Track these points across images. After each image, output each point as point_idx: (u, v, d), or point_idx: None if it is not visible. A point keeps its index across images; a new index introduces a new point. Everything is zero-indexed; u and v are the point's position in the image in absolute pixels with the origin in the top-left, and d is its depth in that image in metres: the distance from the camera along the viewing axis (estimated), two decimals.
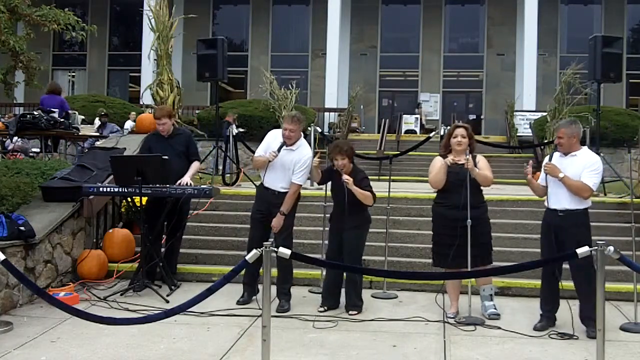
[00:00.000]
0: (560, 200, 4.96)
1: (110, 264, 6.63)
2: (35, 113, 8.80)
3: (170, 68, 11.56)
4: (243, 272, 5.27)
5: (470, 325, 5.08)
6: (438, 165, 5.36)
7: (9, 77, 12.29)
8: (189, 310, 4.26)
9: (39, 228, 5.92)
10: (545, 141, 13.26)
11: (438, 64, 24.05)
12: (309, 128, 10.76)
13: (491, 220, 5.54)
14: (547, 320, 5.04)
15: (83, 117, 11.34)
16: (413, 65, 24.18)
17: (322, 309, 5.47)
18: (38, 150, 10.42)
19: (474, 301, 5.35)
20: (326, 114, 20.56)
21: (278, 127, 5.81)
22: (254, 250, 3.81)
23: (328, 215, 5.75)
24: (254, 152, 6.06)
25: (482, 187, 5.38)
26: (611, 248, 3.70)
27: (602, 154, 9.73)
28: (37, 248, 5.85)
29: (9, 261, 4.46)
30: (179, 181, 6.18)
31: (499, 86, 23.28)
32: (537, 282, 5.27)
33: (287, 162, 5.53)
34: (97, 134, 11.65)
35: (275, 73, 18.65)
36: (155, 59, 11.60)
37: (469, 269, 5.15)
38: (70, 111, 9.86)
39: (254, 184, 7.75)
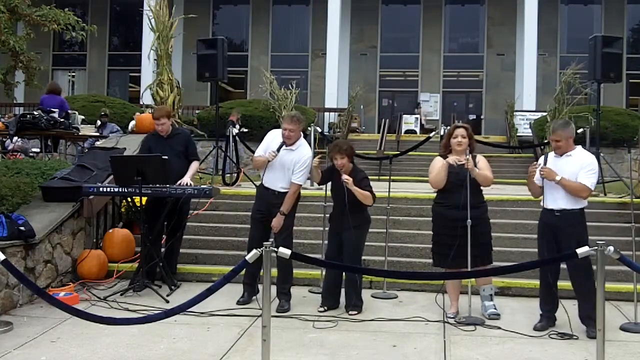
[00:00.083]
0: (556, 200, 4.96)
1: (110, 264, 6.63)
2: (35, 113, 8.80)
3: (170, 68, 11.57)
4: (243, 272, 5.27)
5: (470, 325, 5.08)
6: (438, 165, 5.36)
7: (9, 77, 12.29)
8: (189, 310, 4.26)
9: (39, 228, 5.92)
10: (545, 141, 13.24)
11: (438, 64, 24.04)
12: (309, 128, 10.76)
13: (491, 220, 5.54)
14: (547, 320, 5.04)
15: (83, 117, 11.33)
16: (413, 65, 24.17)
17: (322, 309, 5.47)
18: (38, 150, 10.41)
19: (474, 301, 5.35)
20: (326, 114, 20.55)
21: (278, 127, 5.81)
22: (254, 250, 3.81)
23: (328, 215, 5.75)
24: (253, 152, 6.06)
25: (482, 187, 5.38)
26: (611, 248, 3.70)
27: (602, 154, 9.78)
28: (37, 248, 5.85)
29: (9, 261, 4.46)
30: (179, 181, 6.18)
31: (499, 86, 23.28)
32: (537, 282, 5.26)
33: (286, 162, 5.53)
34: (97, 134, 11.63)
35: (275, 73, 18.64)
36: (155, 59, 11.61)
37: (469, 269, 5.15)
38: (70, 111, 9.86)
39: (254, 184, 7.76)
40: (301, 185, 5.66)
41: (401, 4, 24.44)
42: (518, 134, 18.94)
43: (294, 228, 5.86)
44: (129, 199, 6.35)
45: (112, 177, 6.55)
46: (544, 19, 21.52)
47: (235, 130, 11.01)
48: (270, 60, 24.01)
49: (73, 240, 6.53)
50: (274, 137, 5.67)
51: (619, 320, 5.28)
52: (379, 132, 19.41)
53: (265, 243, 3.75)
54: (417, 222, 7.44)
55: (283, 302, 5.56)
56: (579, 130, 10.63)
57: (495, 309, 5.38)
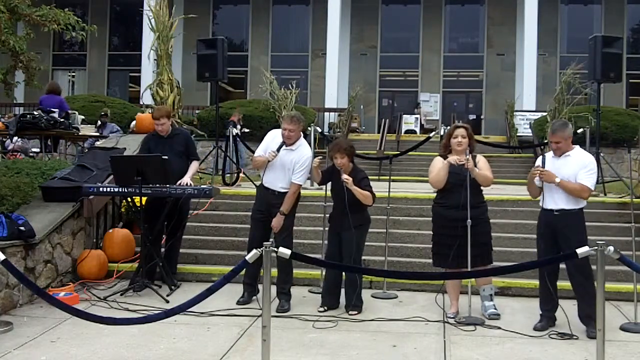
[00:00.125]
0: (555, 200, 4.97)
1: (110, 264, 6.63)
2: (35, 113, 8.79)
3: (170, 68, 11.57)
4: (243, 272, 5.27)
5: (470, 325, 5.08)
6: (439, 165, 5.36)
7: (9, 77, 12.31)
8: (189, 310, 4.26)
9: (39, 228, 5.92)
10: (545, 141, 13.25)
11: (438, 64, 24.04)
12: (309, 128, 10.76)
13: (491, 220, 5.54)
14: (547, 320, 5.04)
15: (83, 117, 11.32)
16: (413, 65, 24.17)
17: (322, 309, 5.47)
18: (38, 150, 10.41)
19: (474, 301, 5.35)
20: (326, 114, 20.55)
21: (278, 127, 5.81)
22: (254, 250, 3.81)
23: (328, 215, 5.75)
24: (253, 152, 6.06)
25: (482, 187, 5.38)
26: (611, 248, 3.70)
27: (602, 154, 9.78)
28: (37, 248, 5.85)
29: (9, 261, 4.46)
30: (179, 181, 6.18)
31: (499, 86, 23.28)
32: (537, 282, 5.26)
33: (286, 162, 5.53)
34: (97, 134, 11.63)
35: (275, 73, 18.66)
36: (155, 59, 11.61)
37: (469, 269, 5.15)
38: (70, 111, 9.86)
39: (254, 184, 7.75)
40: (301, 185, 5.66)
41: (401, 4, 24.44)
42: (518, 134, 18.95)
43: (294, 228, 5.86)
44: (129, 199, 6.35)
45: (112, 177, 6.55)
46: (544, 19, 21.52)
47: (235, 131, 11.01)
48: (270, 60, 24.01)
49: (73, 240, 6.53)
50: (273, 137, 5.67)
51: (619, 320, 5.28)
52: (379, 132, 19.41)
53: (265, 243, 3.75)
54: (417, 222, 7.44)
55: (283, 302, 5.56)
56: (579, 130, 10.68)
57: (495, 309, 5.38)
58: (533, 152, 15.77)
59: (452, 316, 5.31)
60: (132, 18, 23.98)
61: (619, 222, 7.37)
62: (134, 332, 4.72)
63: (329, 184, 5.75)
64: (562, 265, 5.14)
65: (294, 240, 5.86)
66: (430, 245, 5.61)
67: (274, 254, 3.78)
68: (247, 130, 14.25)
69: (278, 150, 5.48)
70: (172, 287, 6.11)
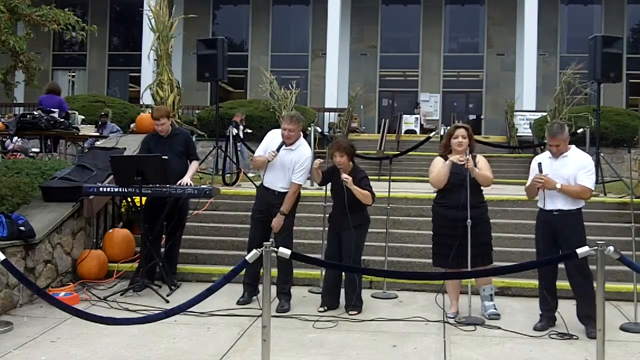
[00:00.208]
0: (555, 201, 4.98)
1: (110, 264, 6.63)
2: (35, 113, 8.79)
3: (170, 68, 11.57)
4: (243, 272, 5.27)
5: (470, 325, 5.08)
6: (439, 165, 5.36)
7: (9, 77, 12.31)
8: (189, 310, 4.26)
9: (39, 228, 5.92)
10: (545, 141, 13.26)
11: (438, 64, 24.04)
12: (309, 128, 10.76)
13: (491, 220, 5.54)
14: (547, 320, 5.04)
15: (83, 117, 11.32)
16: (413, 65, 24.17)
17: (322, 309, 5.47)
18: (38, 150, 10.41)
19: (474, 301, 5.35)
20: (326, 114, 20.56)
21: (278, 127, 5.81)
22: (254, 250, 3.81)
23: (328, 215, 5.75)
24: (253, 152, 6.06)
25: (482, 187, 5.39)
26: (611, 248, 3.70)
27: (602, 154, 9.78)
28: (37, 248, 5.85)
29: (9, 261, 4.46)
30: (179, 181, 6.18)
31: (499, 86, 23.28)
32: (537, 282, 5.26)
33: (286, 161, 5.53)
34: (97, 134, 11.63)
35: (275, 73, 18.67)
36: (155, 59, 11.61)
37: (469, 269, 5.15)
38: (70, 111, 9.86)
39: (254, 184, 7.76)
40: (301, 185, 5.66)
41: (401, 4, 24.44)
42: (518, 134, 18.96)
43: (294, 228, 5.86)
44: (129, 199, 6.35)
45: (112, 177, 6.55)
46: (544, 19, 21.52)
47: (235, 131, 11.01)
48: (270, 60, 24.01)
49: (73, 240, 6.53)
50: (273, 137, 5.67)
51: (619, 320, 5.28)
52: (379, 132, 19.42)
53: (265, 243, 3.75)
54: (417, 222, 7.44)
55: (283, 302, 5.56)
56: (579, 130, 10.68)
57: (495, 309, 5.38)
58: (533, 152, 15.75)
59: (452, 316, 5.31)
60: (132, 18, 23.98)
61: (619, 222, 7.37)
62: (134, 332, 4.72)
63: (330, 184, 5.75)
64: (561, 265, 5.14)
65: (294, 240, 5.86)
66: (430, 245, 5.61)
67: (274, 254, 3.78)
68: (249, 131, 14.25)
69: (278, 150, 5.48)
70: (172, 287, 6.11)
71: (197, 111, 18.52)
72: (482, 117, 23.59)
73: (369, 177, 5.63)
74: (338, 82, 21.31)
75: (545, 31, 21.78)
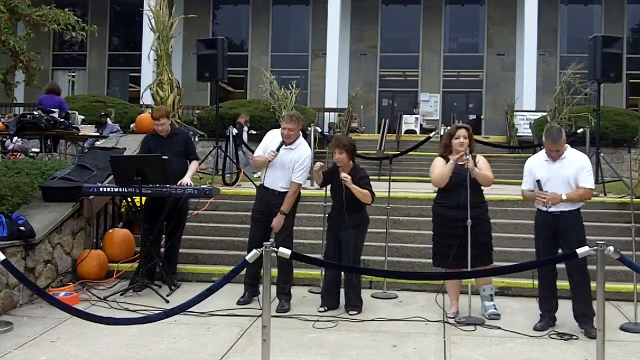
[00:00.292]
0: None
1: (110, 264, 6.63)
2: (35, 113, 8.79)
3: (170, 68, 11.58)
4: (243, 272, 5.27)
5: (470, 325, 5.08)
6: (440, 165, 5.36)
7: (9, 77, 12.30)
8: (189, 310, 4.26)
9: (39, 228, 5.91)
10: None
11: (438, 64, 24.04)
12: (309, 128, 10.76)
13: (491, 220, 5.54)
14: (547, 320, 5.05)
15: (83, 117, 11.33)
16: (413, 65, 24.17)
17: (322, 309, 5.47)
18: (38, 150, 10.41)
19: (474, 301, 5.35)
20: (326, 114, 20.56)
21: (278, 127, 5.82)
22: (254, 250, 3.81)
23: (327, 215, 5.75)
24: (253, 152, 6.07)
25: (482, 187, 5.39)
26: (611, 248, 3.70)
27: (602, 154, 9.78)
28: (37, 248, 5.84)
29: (9, 261, 4.47)
30: (179, 181, 6.18)
31: (499, 86, 23.28)
32: (537, 282, 5.26)
33: (286, 161, 5.54)
34: (97, 134, 11.63)
35: (275, 73, 18.67)
36: (155, 59, 11.62)
37: (469, 269, 5.15)
38: (70, 111, 9.86)
39: (254, 184, 7.76)
40: (301, 184, 5.66)
41: (401, 4, 24.44)
42: (518, 134, 18.96)
43: (294, 228, 5.85)
44: (129, 199, 6.35)
45: (112, 177, 6.55)
46: (544, 19, 21.52)
47: (235, 131, 11.01)
48: (270, 60, 24.01)
49: (73, 240, 6.53)
50: (273, 137, 5.68)
51: (619, 320, 5.28)
52: (379, 132, 19.42)
53: (265, 243, 3.75)
54: (417, 222, 7.44)
55: (283, 302, 5.56)
56: (579, 130, 10.68)
57: (495, 309, 5.38)
58: (533, 152, 15.73)
59: (452, 316, 5.31)
60: (132, 18, 23.98)
61: (619, 222, 7.37)
62: (134, 332, 4.72)
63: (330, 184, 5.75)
64: (560, 265, 5.14)
65: (294, 240, 5.86)
66: (431, 245, 5.61)
67: (274, 254, 3.78)
68: (254, 132, 14.25)
69: (278, 150, 5.49)
70: (172, 287, 6.10)
71: (197, 111, 18.52)
72: (482, 117, 23.59)
73: (369, 177, 5.63)
74: (338, 82, 21.32)
75: (545, 31, 21.78)
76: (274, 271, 5.43)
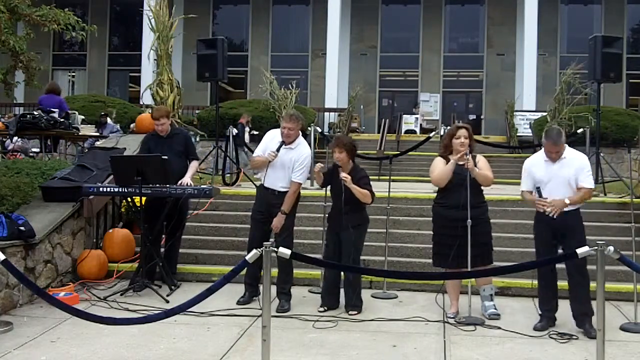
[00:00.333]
0: None
1: (110, 264, 6.63)
2: (35, 113, 8.79)
3: (170, 68, 11.58)
4: (243, 272, 5.27)
5: (470, 325, 5.08)
6: (440, 165, 5.36)
7: (9, 77, 12.30)
8: (189, 310, 4.26)
9: (39, 228, 5.91)
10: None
11: (438, 64, 24.04)
12: (309, 128, 10.76)
13: (491, 220, 5.54)
14: (547, 320, 5.05)
15: (83, 117, 11.33)
16: (413, 65, 24.17)
17: (322, 309, 5.47)
18: (38, 150, 10.41)
19: (474, 301, 5.35)
20: (326, 114, 20.56)
21: (278, 127, 5.82)
22: (254, 250, 3.81)
23: (327, 215, 5.75)
24: (253, 152, 6.07)
25: (482, 187, 5.39)
26: (611, 248, 3.70)
27: (602, 154, 9.78)
28: (37, 248, 5.84)
29: (9, 261, 4.47)
30: (179, 181, 6.19)
31: (499, 86, 23.28)
32: (537, 282, 5.26)
33: (286, 161, 5.54)
34: (97, 134, 11.64)
35: (275, 73, 18.66)
36: (155, 59, 11.62)
37: (469, 269, 5.15)
38: (70, 111, 9.86)
39: (254, 184, 7.76)
40: (301, 184, 5.66)
41: (401, 4, 24.44)
42: (518, 134, 18.96)
43: (294, 228, 5.85)
44: (129, 199, 6.35)
45: (112, 177, 6.55)
46: (544, 19, 21.52)
47: (235, 131, 11.01)
48: (270, 60, 24.01)
49: (73, 240, 6.53)
50: (272, 137, 5.68)
51: (619, 320, 5.28)
52: (379, 132, 19.42)
53: (265, 243, 3.75)
54: (417, 222, 7.44)
55: (283, 302, 5.56)
56: (579, 130, 10.68)
57: (495, 309, 5.38)
58: (533, 151, 15.72)
59: (452, 316, 5.31)
60: (132, 18, 23.98)
61: (619, 222, 7.37)
62: (134, 332, 4.72)
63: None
64: (560, 265, 5.14)
65: (294, 240, 5.86)
66: (431, 245, 5.61)
67: (274, 254, 3.78)
68: (256, 132, 14.24)
69: (278, 150, 5.49)
70: (172, 287, 6.10)
71: (197, 111, 18.52)
72: (482, 117, 23.59)
73: (369, 177, 5.63)
74: (338, 82, 21.32)
75: (545, 31, 21.78)
76: (274, 271, 5.43)
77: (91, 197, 6.48)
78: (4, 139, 11.67)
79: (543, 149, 5.08)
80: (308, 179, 5.94)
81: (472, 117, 23.61)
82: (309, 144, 6.85)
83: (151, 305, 5.46)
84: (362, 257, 5.81)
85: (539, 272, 5.17)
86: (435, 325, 5.12)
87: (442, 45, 24.10)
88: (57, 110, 9.10)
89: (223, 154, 10.28)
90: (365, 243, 5.73)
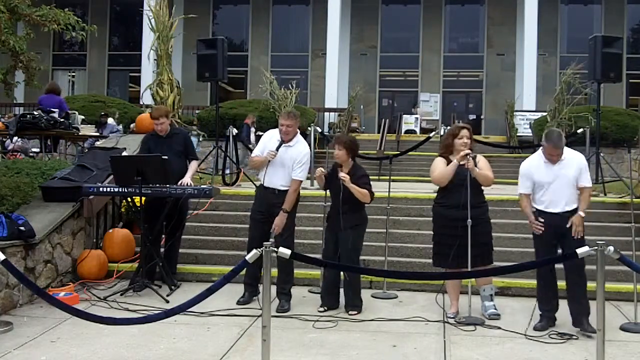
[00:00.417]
0: (558, 204, 5.01)
1: (110, 264, 6.63)
2: (35, 113, 8.79)
3: (170, 68, 11.57)
4: (243, 272, 5.27)
5: (470, 325, 5.08)
6: (441, 166, 5.36)
7: (9, 77, 12.30)
8: (189, 310, 4.26)
9: (39, 228, 5.91)
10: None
11: (438, 64, 24.04)
12: (309, 128, 10.76)
13: (491, 220, 5.54)
14: (547, 320, 5.05)
15: (83, 117, 11.33)
16: (413, 65, 24.17)
17: (322, 309, 5.47)
18: (38, 150, 10.41)
19: (474, 301, 5.35)
20: (326, 114, 20.56)
21: (277, 127, 5.82)
22: (254, 250, 3.81)
23: (326, 215, 5.74)
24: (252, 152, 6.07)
25: (482, 187, 5.39)
26: (611, 248, 3.70)
27: (602, 154, 9.79)
28: (37, 248, 5.84)
29: (9, 261, 4.47)
30: (180, 181, 6.18)
31: (499, 86, 23.27)
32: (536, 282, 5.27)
33: (286, 159, 5.54)
34: (97, 134, 11.64)
35: (275, 73, 18.66)
36: (155, 59, 11.62)
37: (469, 269, 5.15)
38: (70, 111, 9.86)
39: (254, 184, 7.76)
40: (302, 181, 5.65)
41: (401, 4, 24.44)
42: (518, 134, 18.96)
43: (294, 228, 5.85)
44: (129, 199, 6.35)
45: (112, 177, 6.55)
46: (544, 19, 21.52)
47: (235, 131, 11.01)
48: (270, 60, 24.01)
49: (73, 240, 6.53)
50: (270, 137, 5.68)
51: (619, 320, 5.28)
52: (379, 132, 19.41)
53: (265, 243, 3.75)
54: (417, 222, 7.44)
55: (283, 302, 5.56)
56: (579, 130, 10.68)
57: (495, 309, 5.38)
58: (533, 151, 15.68)
59: (452, 316, 5.31)
60: (132, 18, 23.98)
61: (619, 222, 7.36)
62: (134, 332, 4.72)
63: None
64: (559, 265, 5.14)
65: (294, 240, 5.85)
66: (431, 246, 5.61)
67: (274, 254, 3.78)
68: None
69: (277, 149, 5.49)
70: (172, 287, 6.10)
71: (197, 111, 18.52)
72: (482, 117, 23.59)
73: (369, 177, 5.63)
74: (338, 82, 21.32)
75: (545, 31, 21.78)
76: (274, 271, 5.43)
77: (91, 197, 6.48)
78: (4, 139, 11.67)
79: (541, 150, 5.08)
80: (308, 178, 5.93)
81: (472, 117, 23.62)
82: (309, 144, 6.84)
83: (151, 305, 5.46)
84: (362, 257, 5.80)
85: (539, 272, 5.18)
86: (435, 325, 5.12)
87: (442, 45, 24.09)
88: (57, 110, 9.10)
89: (223, 154, 10.27)
90: (365, 243, 5.73)
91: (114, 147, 8.31)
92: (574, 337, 4.79)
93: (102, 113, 14.68)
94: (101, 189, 6.16)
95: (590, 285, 4.71)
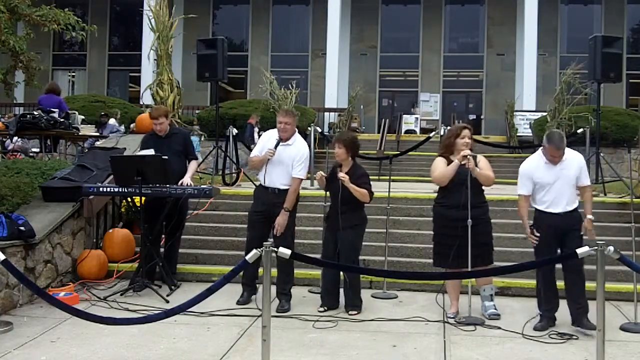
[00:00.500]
0: (559, 204, 5.02)
1: (110, 264, 6.63)
2: (35, 113, 8.79)
3: (170, 68, 11.58)
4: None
5: (470, 325, 5.08)
6: (441, 166, 5.36)
7: (9, 77, 12.30)
8: (189, 310, 4.26)
9: (39, 228, 5.91)
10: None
11: (438, 64, 24.04)
12: (309, 128, 10.76)
13: (492, 220, 5.54)
14: (547, 320, 5.05)
15: (83, 117, 11.33)
16: (413, 65, 24.17)
17: (322, 309, 5.47)
18: (38, 150, 10.41)
19: (474, 301, 5.35)
20: (326, 114, 20.56)
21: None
22: (254, 250, 3.80)
23: (326, 215, 5.74)
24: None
25: (483, 187, 5.39)
26: (611, 248, 3.70)
27: (602, 154, 9.79)
28: (37, 248, 5.84)
29: (9, 261, 4.47)
30: (180, 181, 6.18)
31: (499, 86, 23.28)
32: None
33: (285, 158, 5.54)
34: (97, 134, 11.64)
35: (275, 73, 18.65)
36: (155, 59, 11.62)
37: (469, 269, 5.15)
38: (70, 111, 9.86)
39: (254, 184, 7.75)
40: (302, 179, 5.65)
41: (401, 4, 24.45)
42: (518, 134, 18.96)
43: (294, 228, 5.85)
44: (129, 199, 6.35)
45: (112, 177, 6.55)
46: (544, 19, 21.52)
47: (235, 131, 11.01)
48: (270, 60, 24.01)
49: (73, 240, 6.53)
50: (269, 137, 5.69)
51: (619, 320, 5.28)
52: (379, 132, 19.42)
53: (265, 243, 3.75)
54: (417, 222, 7.44)
55: (283, 302, 5.55)
56: (579, 130, 10.68)
57: (495, 309, 5.38)
58: (533, 152, 15.66)
59: (452, 316, 5.31)
60: (132, 18, 23.99)
61: (619, 222, 7.36)
62: (134, 332, 4.72)
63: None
64: (558, 265, 5.15)
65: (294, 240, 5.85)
66: (431, 246, 5.61)
67: (274, 254, 3.78)
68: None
69: (275, 147, 5.49)
70: (172, 287, 6.10)
71: (197, 111, 18.52)
72: (482, 117, 23.60)
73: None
74: (338, 82, 21.32)
75: (545, 31, 21.78)
76: (274, 271, 5.43)
77: (91, 197, 6.48)
78: (4, 139, 11.68)
79: (542, 151, 5.08)
80: (307, 178, 5.93)
81: (472, 117, 23.62)
82: (309, 144, 6.84)
83: (151, 305, 5.46)
84: (362, 257, 5.80)
85: (539, 272, 5.18)
86: (435, 325, 5.12)
87: (442, 45, 24.10)
88: (57, 110, 9.10)
89: (223, 154, 10.27)
90: (365, 243, 5.73)
91: (114, 147, 8.31)
92: (574, 337, 4.79)
93: (102, 113, 14.68)
94: (101, 189, 6.16)
95: (590, 285, 4.70)
